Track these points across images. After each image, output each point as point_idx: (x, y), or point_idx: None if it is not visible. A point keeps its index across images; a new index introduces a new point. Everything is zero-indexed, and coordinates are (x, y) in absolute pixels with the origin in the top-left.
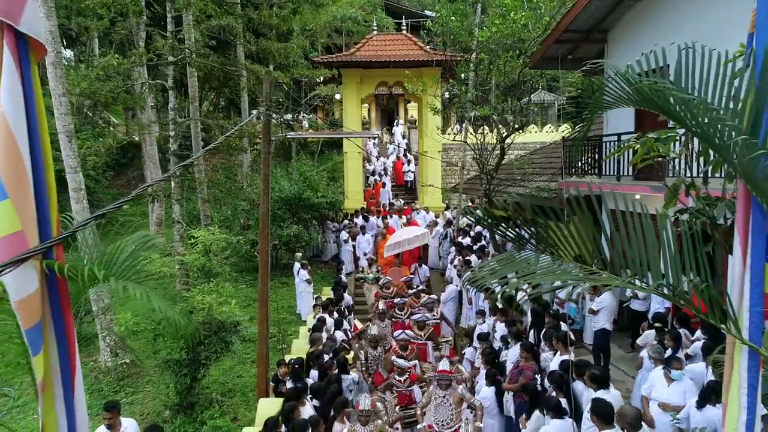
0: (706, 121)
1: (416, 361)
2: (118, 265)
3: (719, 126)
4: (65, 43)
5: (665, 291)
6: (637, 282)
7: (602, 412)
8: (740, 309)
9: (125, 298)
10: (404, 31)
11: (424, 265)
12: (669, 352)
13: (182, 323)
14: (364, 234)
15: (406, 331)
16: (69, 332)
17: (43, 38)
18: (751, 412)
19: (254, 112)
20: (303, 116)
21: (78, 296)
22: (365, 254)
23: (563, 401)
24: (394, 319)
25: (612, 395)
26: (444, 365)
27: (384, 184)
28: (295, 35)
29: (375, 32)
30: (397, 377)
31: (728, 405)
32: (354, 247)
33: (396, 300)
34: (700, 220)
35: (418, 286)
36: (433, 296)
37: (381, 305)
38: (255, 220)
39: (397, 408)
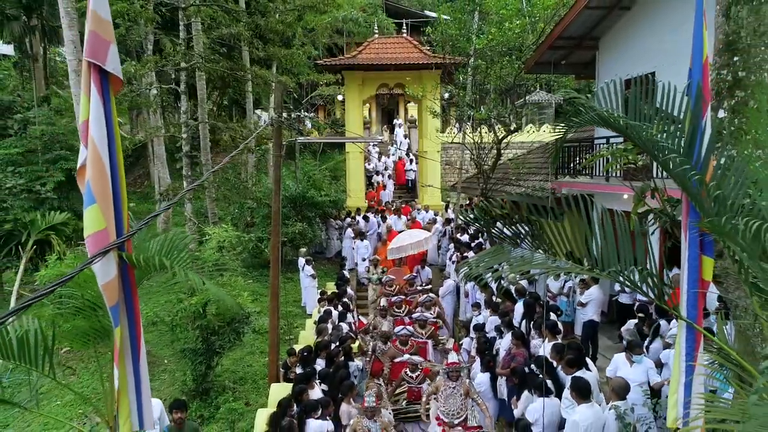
0: (649, 140)
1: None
2: (176, 255)
3: (659, 145)
4: None
5: (621, 279)
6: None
7: (579, 388)
8: (681, 292)
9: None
10: (404, 33)
11: (426, 267)
12: (649, 338)
13: (232, 304)
14: (363, 240)
15: (407, 327)
16: (136, 311)
17: (121, 74)
18: (689, 376)
19: (264, 116)
20: (305, 116)
21: (141, 281)
22: (364, 260)
23: (549, 382)
24: (394, 317)
25: (588, 375)
26: (453, 357)
27: (385, 186)
28: (297, 37)
29: (376, 35)
30: (409, 372)
31: (674, 370)
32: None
33: (393, 298)
34: (662, 219)
35: (422, 285)
36: (432, 295)
37: (383, 302)
38: (260, 218)
39: (404, 403)
